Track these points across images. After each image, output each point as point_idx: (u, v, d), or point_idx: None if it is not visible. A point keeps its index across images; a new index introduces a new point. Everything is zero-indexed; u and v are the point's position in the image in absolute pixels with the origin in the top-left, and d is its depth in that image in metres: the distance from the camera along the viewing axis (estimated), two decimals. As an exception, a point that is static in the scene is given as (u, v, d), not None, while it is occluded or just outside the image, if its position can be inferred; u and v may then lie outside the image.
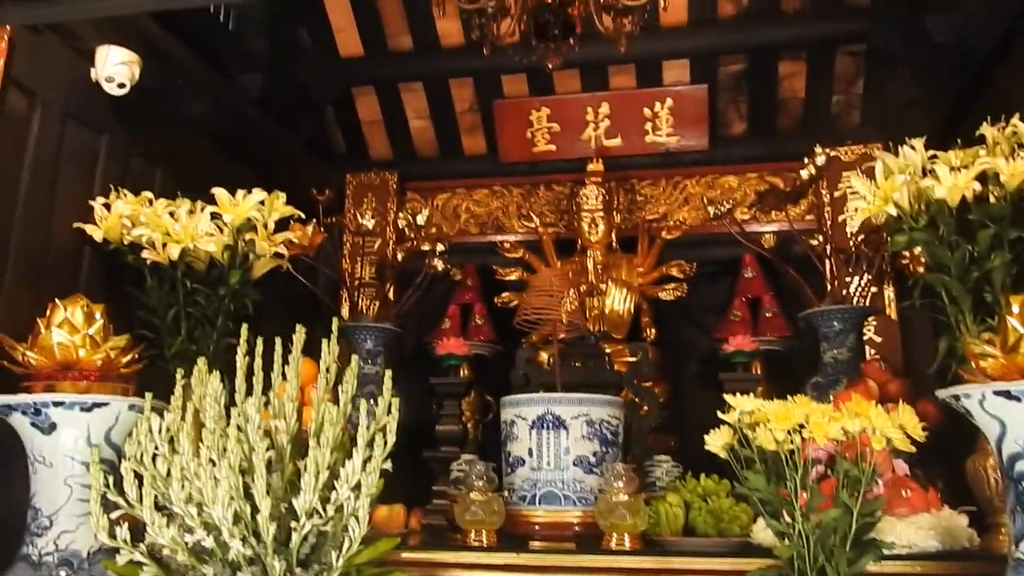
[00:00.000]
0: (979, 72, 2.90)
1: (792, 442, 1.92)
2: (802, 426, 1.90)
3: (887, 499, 2.00)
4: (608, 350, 3.67)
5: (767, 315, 3.90)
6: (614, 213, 4.19)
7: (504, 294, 4.11)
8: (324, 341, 2.18)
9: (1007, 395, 1.63)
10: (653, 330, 3.95)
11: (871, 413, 1.89)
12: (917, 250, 2.68)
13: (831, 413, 1.89)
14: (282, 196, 2.86)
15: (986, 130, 2.30)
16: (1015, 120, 2.25)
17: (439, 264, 3.85)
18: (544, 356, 3.63)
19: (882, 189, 2.32)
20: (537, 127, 4.38)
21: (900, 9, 3.62)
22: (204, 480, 1.92)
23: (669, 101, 4.23)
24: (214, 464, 1.93)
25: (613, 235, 4.16)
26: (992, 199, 2.26)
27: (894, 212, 2.32)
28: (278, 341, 2.16)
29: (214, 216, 2.73)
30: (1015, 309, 1.75)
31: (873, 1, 3.75)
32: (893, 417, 1.84)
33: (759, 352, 3.42)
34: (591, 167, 4.23)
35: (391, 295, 4.01)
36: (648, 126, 4.30)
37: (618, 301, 3.95)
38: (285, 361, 2.16)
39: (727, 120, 4.35)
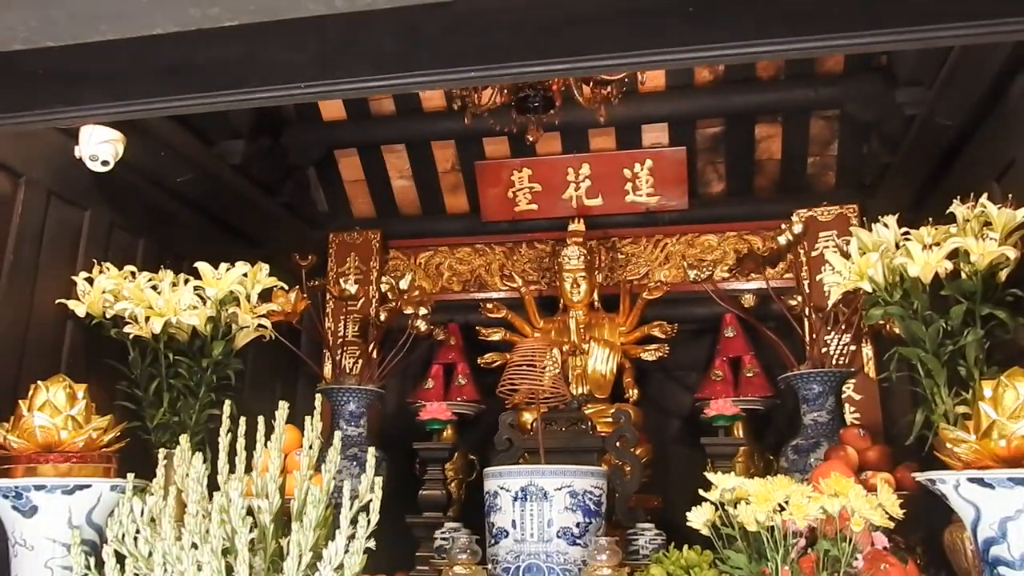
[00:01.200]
0: (949, 144, 2.99)
1: (774, 521, 1.95)
2: (783, 506, 1.92)
3: (866, 574, 2.02)
4: (591, 410, 3.70)
5: (748, 375, 3.94)
6: (595, 273, 4.24)
7: (487, 355, 4.13)
8: (307, 418, 2.19)
9: (981, 482, 1.66)
10: (635, 390, 3.98)
11: (850, 493, 1.92)
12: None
13: (810, 493, 1.92)
14: (265, 267, 2.89)
15: (956, 208, 2.37)
16: (983, 200, 2.32)
17: (422, 325, 3.89)
18: (527, 419, 3.65)
19: (857, 265, 2.37)
20: (519, 187, 4.45)
21: (872, 79, 3.72)
22: (186, 564, 1.91)
23: (649, 162, 4.30)
24: (196, 547, 1.93)
25: (595, 295, 4.21)
26: (963, 275, 2.32)
27: (869, 288, 2.37)
28: (260, 420, 2.17)
29: (197, 288, 2.74)
30: (987, 393, 1.79)
31: (846, 69, 3.86)
32: (871, 498, 1.87)
33: (742, 415, 3.45)
34: (572, 227, 4.30)
35: (374, 354, 4.02)
36: (628, 186, 4.37)
37: (600, 361, 3.99)
38: (268, 437, 2.17)
39: (706, 180, 4.42)
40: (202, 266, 2.77)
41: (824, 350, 3.67)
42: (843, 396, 3.75)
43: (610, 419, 3.56)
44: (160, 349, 2.71)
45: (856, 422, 3.70)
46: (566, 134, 4.30)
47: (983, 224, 2.32)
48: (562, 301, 4.21)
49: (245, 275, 2.80)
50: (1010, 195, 2.33)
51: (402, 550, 3.34)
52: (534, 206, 4.48)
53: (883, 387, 3.82)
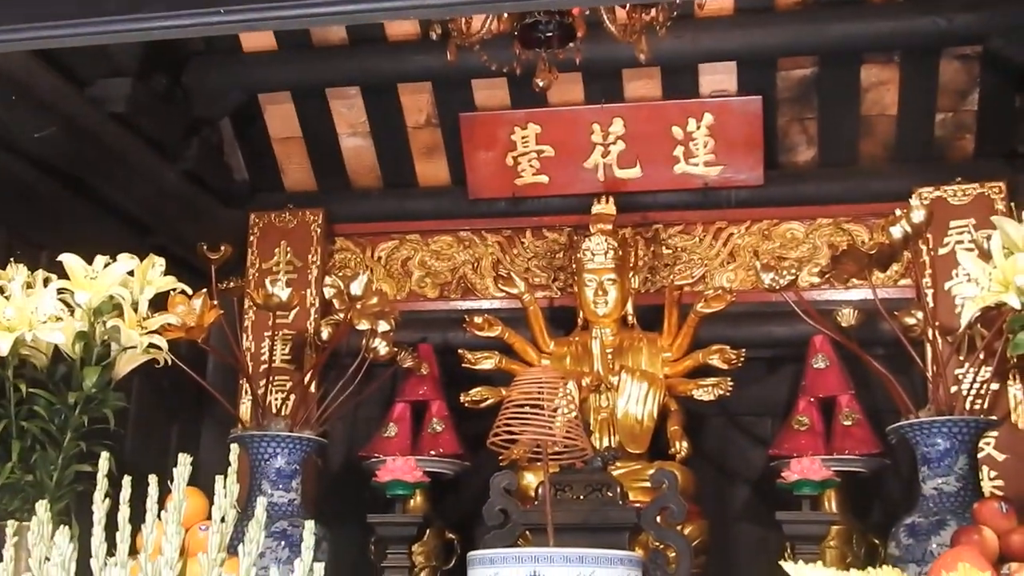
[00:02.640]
0: None
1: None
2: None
3: None
4: (621, 470, 3.73)
5: (845, 423, 3.97)
6: (630, 274, 4.28)
7: (474, 390, 4.15)
8: (218, 477, 2.22)
9: None
10: (684, 443, 4.01)
11: (985, 594, 1.95)
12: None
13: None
14: (159, 262, 2.91)
15: None
16: None
17: (382, 347, 3.92)
18: (530, 482, 3.68)
19: (1001, 271, 2.41)
20: (522, 151, 4.49)
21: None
22: None
23: (708, 117, 4.35)
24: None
25: (629, 306, 4.25)
26: None
27: (1017, 303, 2.40)
28: (152, 480, 2.20)
29: (62, 291, 2.77)
30: None
31: (990, -8, 3.90)
32: (1015, 601, 1.90)
33: (836, 481, 3.49)
34: (598, 208, 4.33)
35: (313, 387, 4.06)
36: (679, 151, 4.42)
37: (636, 401, 4.02)
38: (161, 505, 2.20)
39: (790, 145, 4.47)
40: (69, 260, 2.79)
41: (954, 390, 3.70)
42: (980, 456, 3.79)
43: (648, 483, 3.60)
44: (8, 378, 2.73)
45: (998, 492, 3.74)
46: (591, 77, 4.35)
47: None
48: (582, 314, 4.25)
49: (131, 273, 2.82)
50: None
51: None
52: (543, 178, 4.53)
53: (1038, 443, 3.86)
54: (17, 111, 3.32)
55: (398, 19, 3.81)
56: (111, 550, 2.08)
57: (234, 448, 2.24)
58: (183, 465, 2.24)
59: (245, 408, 4.26)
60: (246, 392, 4.29)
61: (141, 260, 2.91)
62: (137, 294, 2.85)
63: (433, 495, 4.15)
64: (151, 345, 2.89)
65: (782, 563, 2.13)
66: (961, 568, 2.02)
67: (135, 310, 2.84)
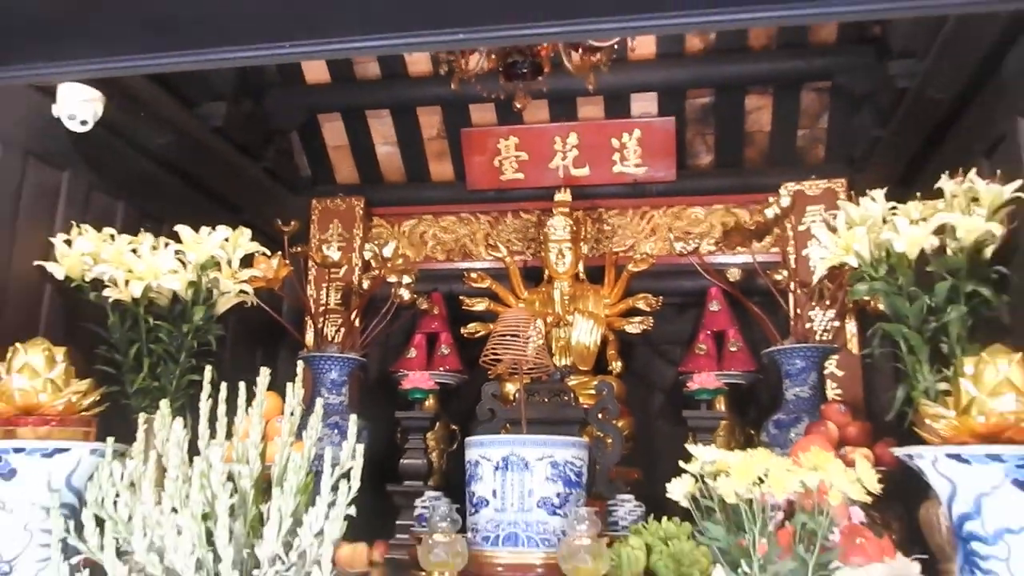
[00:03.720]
0: (941, 119, 3.01)
1: (753, 494, 1.98)
2: (761, 479, 1.96)
3: (842, 549, 2.06)
4: (574, 382, 3.73)
5: (732, 349, 3.98)
6: (581, 244, 4.26)
7: (471, 325, 4.14)
8: (289, 384, 2.21)
9: (958, 458, 1.71)
10: (619, 363, 4.01)
11: (829, 466, 1.95)
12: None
13: (789, 466, 1.95)
14: (247, 232, 2.88)
15: (944, 184, 2.40)
16: (971, 175, 2.35)
17: (405, 294, 3.90)
18: (510, 389, 3.68)
19: (843, 240, 2.40)
20: (505, 155, 4.44)
21: (864, 51, 3.74)
22: (166, 528, 1.93)
23: (637, 132, 4.31)
24: (176, 512, 1.95)
25: (580, 266, 4.23)
26: (949, 252, 2.35)
27: (855, 263, 2.40)
28: (242, 386, 2.19)
29: (177, 252, 2.74)
30: (968, 370, 1.83)
31: (838, 40, 3.87)
32: (850, 472, 1.91)
33: (725, 389, 3.50)
34: (559, 196, 4.30)
35: (357, 322, 4.04)
36: (616, 156, 4.37)
37: (584, 333, 4.02)
38: (249, 403, 2.19)
39: (694, 152, 4.44)
40: (183, 230, 2.76)
41: (808, 326, 3.72)
42: (826, 372, 3.81)
43: (593, 391, 3.60)
44: (140, 313, 2.71)
45: (838, 398, 3.76)
46: (554, 102, 4.30)
47: (971, 200, 2.35)
48: (547, 272, 4.23)
49: (227, 239, 2.80)
50: (998, 171, 2.36)
51: (382, 519, 3.38)
52: (520, 175, 4.48)
53: (866, 364, 3.88)
54: (145, 123, 3.26)
55: (407, 51, 3.75)
56: (213, 435, 2.08)
57: (300, 364, 2.23)
58: (264, 376, 2.24)
59: (309, 338, 4.22)
60: (309, 326, 4.26)
61: (233, 231, 2.89)
62: (231, 254, 2.83)
63: (442, 399, 4.15)
64: (242, 291, 2.88)
65: (687, 446, 2.12)
66: (812, 449, 2.02)
67: (230, 265, 2.82)
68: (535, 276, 4.36)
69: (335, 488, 2.05)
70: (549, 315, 4.08)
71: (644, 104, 4.29)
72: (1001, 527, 1.69)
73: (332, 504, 2.03)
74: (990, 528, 1.70)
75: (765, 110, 4.23)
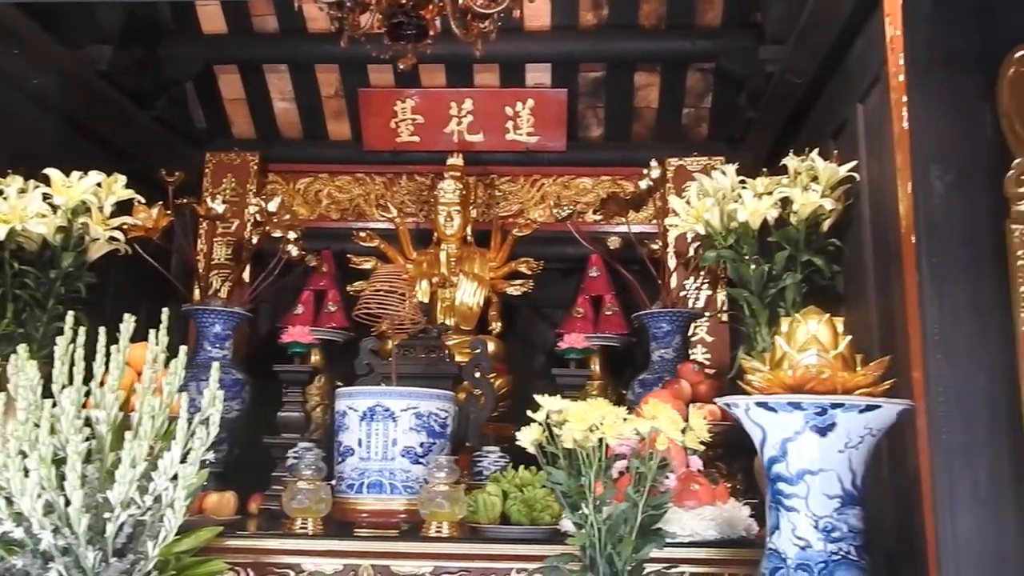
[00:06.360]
0: (800, 102, 3.15)
1: (591, 440, 2.08)
2: (597, 426, 2.06)
3: (676, 492, 2.19)
4: (455, 340, 3.80)
5: (607, 313, 4.11)
6: (471, 208, 4.31)
7: (357, 283, 4.15)
8: (151, 332, 2.21)
9: (766, 406, 1.84)
10: (499, 324, 4.10)
11: (662, 416, 2.07)
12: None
13: (625, 415, 2.06)
14: (121, 179, 2.84)
15: (789, 161, 2.54)
16: (813, 155, 2.48)
17: (293, 250, 3.87)
18: (390, 346, 3.71)
19: (695, 209, 2.51)
20: (401, 118, 4.44)
21: (745, 35, 3.87)
22: (13, 472, 1.92)
23: (531, 101, 4.36)
24: (24, 455, 1.94)
25: (468, 229, 4.28)
26: (791, 224, 2.49)
27: (703, 230, 2.52)
28: (102, 331, 2.18)
29: (47, 196, 2.68)
30: (784, 329, 1.96)
31: (723, 24, 3.98)
32: (678, 421, 2.02)
33: (593, 349, 3.61)
34: (451, 161, 4.33)
35: (246, 278, 4.00)
36: (509, 124, 4.42)
37: (468, 294, 4.08)
38: (110, 349, 2.18)
39: (585, 124, 4.52)
40: (52, 172, 2.70)
41: (682, 294, 3.86)
42: (694, 338, 3.97)
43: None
44: (5, 258, 2.65)
45: (706, 361, 3.92)
46: (452, 68, 4.31)
47: (812, 178, 2.49)
48: (436, 234, 4.27)
49: (99, 185, 2.75)
50: (836, 151, 2.50)
51: (264, 471, 3.38)
52: (416, 138, 4.48)
53: (733, 330, 4.04)
54: (20, 61, 3.14)
55: None
56: (71, 381, 2.07)
57: (165, 312, 2.23)
58: (128, 322, 2.24)
59: (196, 292, 4.17)
60: (198, 281, 4.20)
61: (108, 176, 2.83)
62: (103, 200, 2.78)
63: (329, 355, 4.15)
64: (112, 238, 2.83)
65: (535, 396, 2.19)
66: (651, 401, 2.12)
67: (101, 212, 2.77)
68: (427, 239, 4.39)
69: (194, 434, 2.07)
70: (435, 276, 4.13)
71: (538, 75, 4.34)
72: (802, 468, 1.84)
73: (189, 450, 2.05)
74: (793, 469, 1.85)
75: (653, 87, 4.33)
